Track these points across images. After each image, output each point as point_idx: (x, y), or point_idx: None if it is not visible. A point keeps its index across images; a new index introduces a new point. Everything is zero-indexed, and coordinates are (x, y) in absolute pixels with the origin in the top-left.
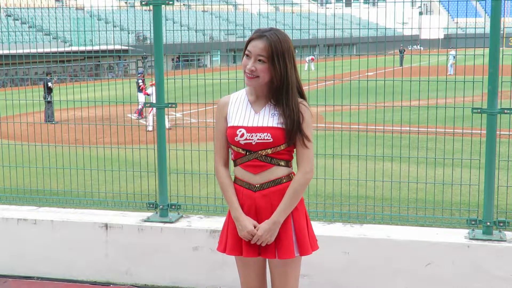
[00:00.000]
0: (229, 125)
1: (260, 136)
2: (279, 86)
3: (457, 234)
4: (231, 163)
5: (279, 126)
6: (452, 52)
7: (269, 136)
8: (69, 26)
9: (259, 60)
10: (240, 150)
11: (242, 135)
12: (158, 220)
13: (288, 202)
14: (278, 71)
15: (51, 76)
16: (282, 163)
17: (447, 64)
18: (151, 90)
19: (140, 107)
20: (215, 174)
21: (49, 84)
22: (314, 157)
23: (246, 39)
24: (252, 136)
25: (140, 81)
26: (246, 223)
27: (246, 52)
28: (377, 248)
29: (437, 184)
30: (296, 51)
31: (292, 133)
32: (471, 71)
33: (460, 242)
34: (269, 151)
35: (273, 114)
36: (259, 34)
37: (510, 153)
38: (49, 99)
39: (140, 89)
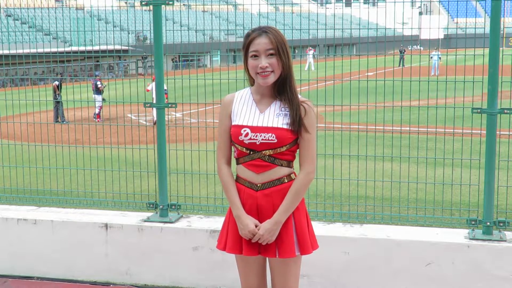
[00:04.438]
0: (233, 123)
1: (264, 136)
2: (284, 78)
3: (457, 234)
4: (233, 161)
5: (284, 126)
6: (438, 52)
7: (273, 137)
8: (69, 26)
9: (270, 55)
10: (244, 149)
11: (247, 134)
12: (158, 220)
13: (290, 202)
14: (284, 62)
15: (62, 76)
16: (285, 163)
17: (435, 65)
18: (152, 86)
19: (97, 110)
20: (216, 172)
21: (55, 82)
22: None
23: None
24: (256, 136)
25: (98, 82)
26: (248, 222)
27: (253, 53)
28: (377, 248)
29: (437, 184)
30: (296, 51)
31: (297, 122)
32: (471, 71)
33: (460, 242)
34: (273, 151)
35: (278, 115)
36: (258, 32)
37: (510, 153)
38: (58, 99)
39: (97, 91)
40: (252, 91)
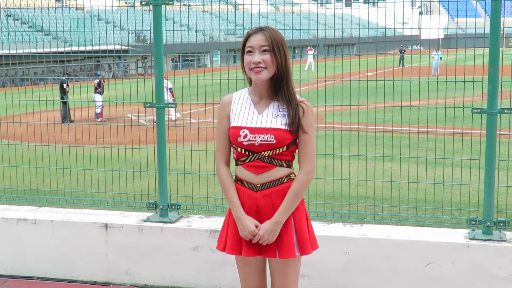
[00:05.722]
0: (232, 125)
1: (263, 137)
2: (279, 77)
3: (457, 234)
4: (232, 162)
5: (283, 127)
6: (439, 52)
7: (272, 138)
8: (69, 26)
9: (264, 51)
10: (243, 151)
11: (246, 136)
12: (158, 220)
13: (290, 202)
14: (279, 60)
15: (67, 76)
16: (284, 164)
17: (436, 65)
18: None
19: (99, 110)
20: (215, 173)
21: (64, 85)
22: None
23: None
24: (255, 137)
25: (96, 81)
26: (248, 223)
27: (248, 48)
28: (377, 248)
29: (437, 184)
30: (296, 51)
31: (296, 122)
32: (471, 71)
33: (460, 242)
34: (272, 152)
35: (276, 115)
36: (255, 30)
37: (510, 153)
38: (64, 100)
39: (96, 91)
40: (250, 92)
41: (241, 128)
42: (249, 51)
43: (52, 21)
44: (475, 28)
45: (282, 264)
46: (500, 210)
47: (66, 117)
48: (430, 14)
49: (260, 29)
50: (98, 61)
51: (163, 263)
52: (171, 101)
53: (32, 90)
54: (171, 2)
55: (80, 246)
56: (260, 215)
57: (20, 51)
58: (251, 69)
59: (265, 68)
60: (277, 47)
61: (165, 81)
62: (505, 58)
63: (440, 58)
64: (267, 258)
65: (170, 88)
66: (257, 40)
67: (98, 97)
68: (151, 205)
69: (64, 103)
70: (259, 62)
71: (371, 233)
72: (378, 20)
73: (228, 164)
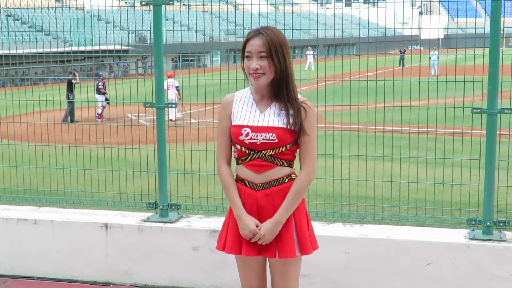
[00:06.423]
0: (233, 123)
1: (265, 136)
2: (280, 80)
3: (457, 234)
4: (233, 161)
5: (285, 126)
6: (436, 52)
7: (274, 136)
8: (69, 26)
9: (261, 57)
10: (244, 149)
11: (247, 134)
12: (158, 220)
13: (291, 202)
14: (277, 65)
15: (73, 75)
16: (285, 163)
17: (434, 65)
18: (165, 83)
19: (99, 110)
20: (216, 172)
21: (73, 81)
22: None
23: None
24: (257, 136)
25: (100, 83)
26: (249, 222)
27: (246, 54)
28: (377, 248)
29: (437, 184)
30: (296, 51)
31: (298, 124)
32: (471, 71)
33: (460, 242)
34: (274, 151)
35: (278, 114)
36: (254, 33)
37: (510, 153)
38: (71, 99)
39: (98, 91)
40: (252, 91)
41: (243, 126)
42: (248, 56)
43: (52, 21)
44: (475, 28)
45: (282, 264)
46: (500, 210)
47: (67, 115)
48: (430, 14)
49: (259, 33)
50: (102, 61)
51: (163, 263)
52: (177, 99)
53: (32, 90)
54: (171, 2)
55: (80, 246)
56: (261, 215)
57: (20, 51)
58: (250, 74)
59: (263, 74)
60: (276, 52)
61: (171, 80)
62: (505, 58)
63: (438, 57)
64: (267, 258)
65: (177, 87)
66: (255, 45)
67: (99, 97)
68: (151, 205)
69: (70, 103)
70: (257, 69)
71: (371, 233)
72: (378, 20)
73: (229, 163)
